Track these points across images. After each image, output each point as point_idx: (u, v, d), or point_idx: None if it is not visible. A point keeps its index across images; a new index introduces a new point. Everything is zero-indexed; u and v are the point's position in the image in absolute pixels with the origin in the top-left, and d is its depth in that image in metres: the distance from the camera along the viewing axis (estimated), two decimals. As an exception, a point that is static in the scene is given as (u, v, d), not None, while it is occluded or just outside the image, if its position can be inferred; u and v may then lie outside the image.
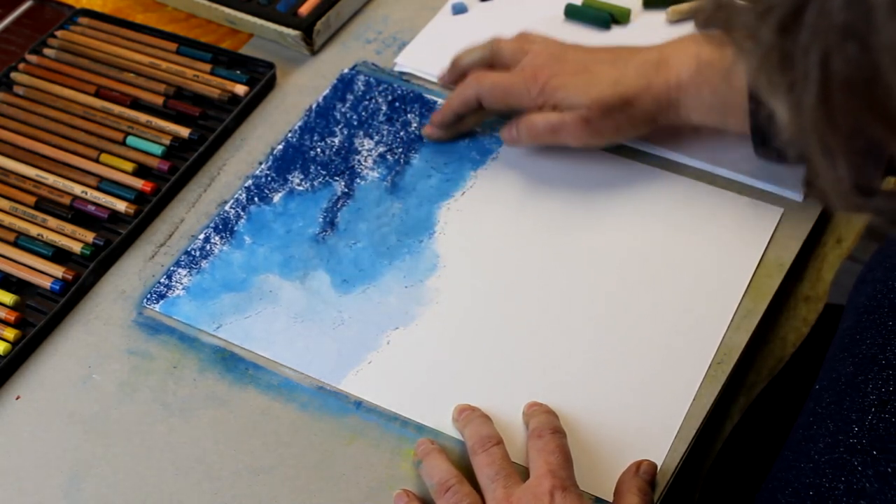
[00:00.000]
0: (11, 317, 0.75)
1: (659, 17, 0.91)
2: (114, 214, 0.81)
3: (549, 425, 0.66)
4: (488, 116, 0.84)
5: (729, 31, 0.40)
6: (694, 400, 0.69)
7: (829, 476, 0.56)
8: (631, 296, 0.75)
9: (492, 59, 0.83)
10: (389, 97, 0.89)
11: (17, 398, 0.73)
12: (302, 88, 0.91)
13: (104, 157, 0.84)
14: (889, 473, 0.53)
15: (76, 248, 0.79)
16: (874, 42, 0.34)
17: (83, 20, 0.95)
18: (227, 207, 0.82)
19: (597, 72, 0.78)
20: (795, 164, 0.77)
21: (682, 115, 0.77)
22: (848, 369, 0.60)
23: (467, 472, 0.66)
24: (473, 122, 0.84)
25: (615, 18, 0.92)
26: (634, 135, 0.80)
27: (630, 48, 0.80)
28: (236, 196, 0.83)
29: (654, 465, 0.66)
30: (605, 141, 0.80)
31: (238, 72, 0.91)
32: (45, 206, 0.82)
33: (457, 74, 0.84)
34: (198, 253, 0.79)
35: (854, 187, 0.39)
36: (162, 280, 0.78)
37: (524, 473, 0.65)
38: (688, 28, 0.89)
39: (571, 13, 0.92)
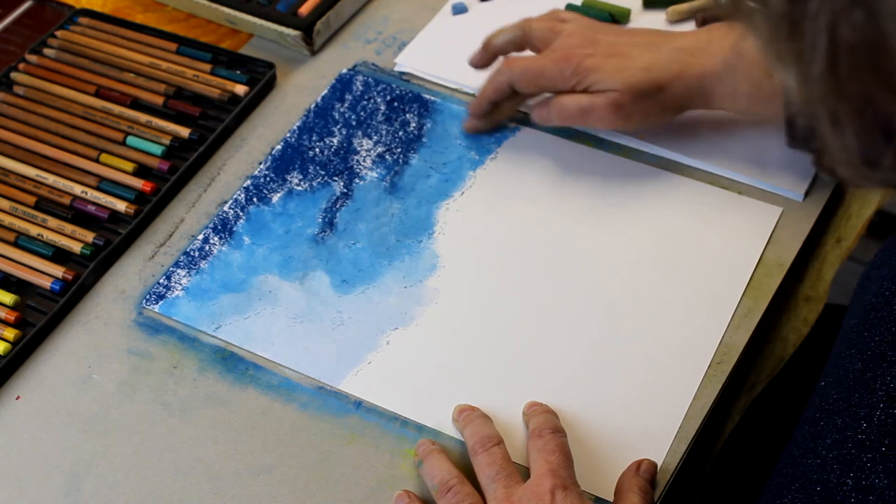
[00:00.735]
0: (11, 317, 0.75)
1: (659, 17, 0.91)
2: (114, 214, 0.81)
3: (549, 425, 0.66)
4: (523, 101, 0.84)
5: (738, 2, 0.40)
6: (694, 400, 0.69)
7: (837, 472, 0.56)
8: (631, 295, 0.75)
9: (523, 40, 0.82)
10: (388, 97, 0.89)
11: (17, 398, 0.73)
12: (302, 88, 0.91)
13: (104, 157, 0.84)
14: None
15: (76, 248, 0.79)
16: (880, 8, 0.35)
17: (83, 20, 0.95)
18: (225, 208, 0.82)
19: (630, 55, 0.77)
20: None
21: (714, 103, 0.77)
22: (856, 366, 0.60)
23: (468, 472, 0.66)
24: (509, 108, 0.84)
25: (615, 18, 0.92)
26: (663, 121, 0.80)
27: (666, 32, 0.80)
28: (235, 196, 0.83)
29: (654, 465, 0.66)
30: (633, 126, 0.79)
31: (238, 72, 0.91)
32: (45, 206, 0.82)
33: (489, 56, 0.84)
34: (197, 253, 0.79)
35: (862, 158, 0.39)
36: (161, 281, 0.78)
37: (525, 473, 0.65)
38: (692, 26, 0.89)
39: (571, 13, 0.92)
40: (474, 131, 0.85)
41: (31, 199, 0.82)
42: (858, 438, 0.56)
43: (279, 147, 0.86)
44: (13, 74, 0.91)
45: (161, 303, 0.77)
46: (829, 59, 0.37)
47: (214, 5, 0.95)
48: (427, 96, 0.89)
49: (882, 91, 0.37)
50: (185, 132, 0.86)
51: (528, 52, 0.83)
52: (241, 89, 0.89)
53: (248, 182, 0.84)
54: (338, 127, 0.87)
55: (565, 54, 0.78)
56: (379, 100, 0.89)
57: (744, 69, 0.75)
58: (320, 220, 0.81)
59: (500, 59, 0.84)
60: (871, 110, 0.38)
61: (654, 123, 0.80)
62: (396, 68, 0.91)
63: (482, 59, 0.85)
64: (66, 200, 0.82)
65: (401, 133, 0.86)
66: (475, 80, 0.88)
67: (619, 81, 0.76)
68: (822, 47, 0.36)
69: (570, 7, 0.92)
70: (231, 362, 0.73)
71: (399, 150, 0.85)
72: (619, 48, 0.78)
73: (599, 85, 0.77)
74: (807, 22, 0.36)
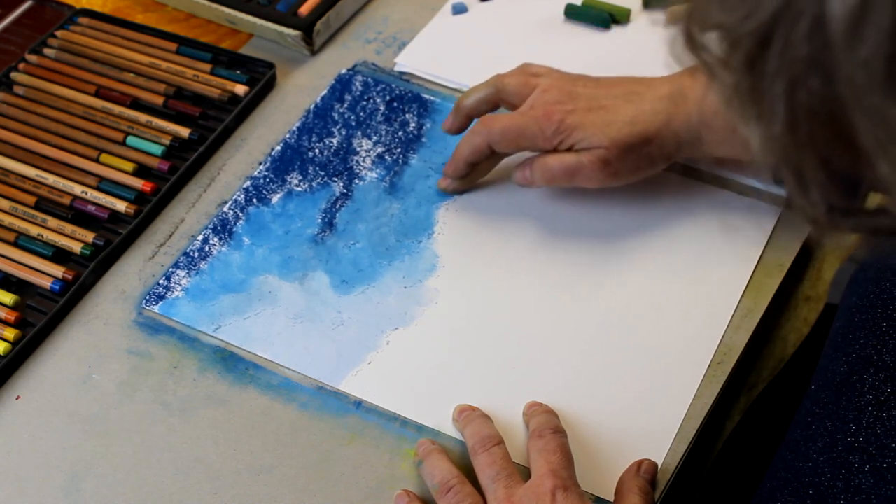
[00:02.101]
0: (11, 317, 0.75)
1: (659, 17, 0.91)
2: (114, 214, 0.81)
3: (549, 425, 0.66)
4: (501, 159, 0.80)
5: (700, 60, 0.40)
6: (694, 400, 0.69)
7: (828, 475, 0.56)
8: (631, 295, 0.75)
9: (496, 97, 0.79)
10: (387, 97, 0.89)
11: (17, 398, 0.73)
12: (302, 88, 0.91)
13: (104, 157, 0.84)
14: (885, 469, 0.54)
15: (76, 248, 0.79)
16: (835, 75, 0.35)
17: (83, 20, 0.95)
18: (225, 208, 0.82)
19: (613, 108, 0.74)
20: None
21: (704, 149, 0.75)
22: (842, 368, 0.60)
23: (468, 472, 0.66)
24: (488, 167, 0.80)
25: (615, 18, 0.92)
26: (652, 172, 0.76)
27: (642, 80, 0.77)
28: (235, 197, 0.83)
29: (654, 465, 0.66)
30: (622, 181, 0.76)
31: (238, 72, 0.91)
32: (45, 206, 0.82)
33: (463, 118, 0.80)
34: (196, 254, 0.79)
35: (828, 210, 0.40)
36: (161, 281, 0.78)
37: (525, 473, 0.65)
38: None
39: (571, 13, 0.92)
40: (450, 192, 0.81)
41: (31, 199, 0.82)
42: (847, 441, 0.56)
43: (279, 148, 0.86)
44: (13, 74, 0.91)
45: (161, 303, 0.77)
46: (789, 122, 0.37)
47: (214, 5, 0.95)
48: (426, 96, 0.89)
49: (843, 153, 0.38)
50: (185, 132, 0.86)
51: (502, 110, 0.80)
52: (241, 89, 0.89)
53: (248, 183, 0.84)
54: (337, 127, 0.87)
55: (545, 111, 0.75)
56: (378, 100, 0.89)
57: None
58: (320, 220, 0.81)
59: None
60: (832, 166, 0.38)
61: (644, 176, 0.76)
62: (396, 68, 0.91)
63: (456, 124, 0.80)
64: (66, 200, 0.82)
65: (400, 133, 0.86)
66: (475, 80, 0.88)
67: (605, 137, 0.73)
68: (781, 110, 0.37)
69: (570, 7, 0.92)
70: (231, 362, 0.73)
71: (399, 150, 0.85)
72: (600, 101, 0.75)
73: (584, 142, 0.74)
74: (765, 85, 0.37)
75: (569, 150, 0.75)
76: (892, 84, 0.34)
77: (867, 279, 0.63)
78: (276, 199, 0.83)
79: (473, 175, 0.80)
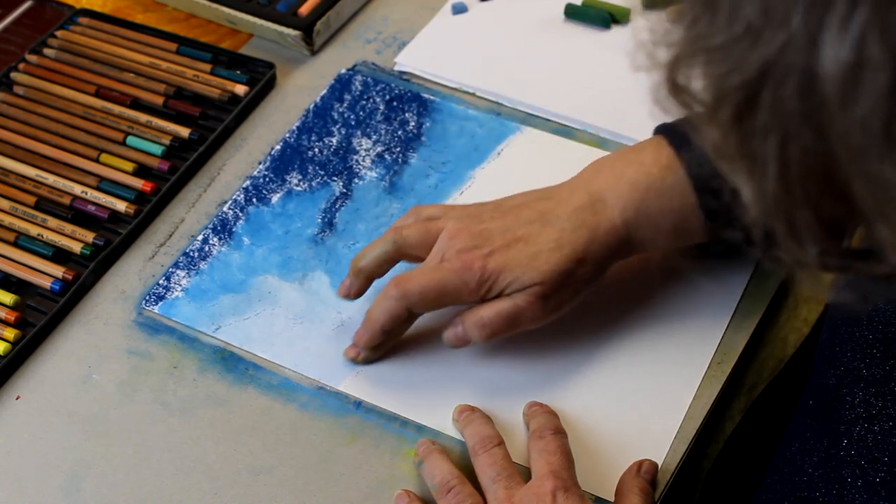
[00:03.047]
0: (11, 317, 0.75)
1: (659, 17, 0.91)
2: (114, 214, 0.81)
3: (550, 426, 0.66)
4: (416, 318, 0.71)
5: (687, 113, 0.39)
6: (694, 400, 0.69)
7: (822, 489, 0.56)
8: (630, 295, 0.75)
9: (396, 253, 0.72)
10: (387, 97, 0.89)
11: (17, 398, 0.73)
12: (302, 88, 0.91)
13: (104, 157, 0.84)
14: (877, 483, 0.54)
15: (76, 248, 0.79)
16: (829, 132, 0.33)
17: (83, 20, 0.95)
18: (225, 208, 0.82)
19: (532, 238, 0.68)
20: (744, 252, 0.73)
21: (635, 249, 0.70)
22: (831, 382, 0.60)
23: (468, 472, 0.66)
24: (403, 330, 0.72)
25: (615, 18, 0.92)
26: (593, 288, 0.70)
27: (551, 195, 0.70)
28: (234, 197, 0.83)
29: (655, 465, 0.66)
30: (566, 309, 0.70)
31: (238, 72, 0.91)
32: (45, 206, 0.82)
33: (362, 281, 0.73)
34: (196, 254, 0.79)
35: (821, 257, 0.38)
36: (161, 281, 0.78)
37: (525, 474, 0.65)
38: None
39: (571, 13, 0.92)
40: (359, 362, 0.72)
41: (31, 199, 0.82)
42: (840, 456, 0.56)
43: (278, 147, 0.86)
44: (13, 74, 0.91)
45: (161, 304, 0.77)
46: (781, 178, 0.36)
47: (214, 5, 0.95)
48: (426, 96, 0.89)
49: (837, 206, 0.36)
50: (185, 132, 0.86)
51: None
52: (241, 89, 0.89)
53: (248, 182, 0.84)
54: (337, 127, 0.87)
55: (462, 262, 0.67)
56: (378, 99, 0.89)
57: (655, 205, 0.68)
58: (320, 220, 0.81)
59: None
60: (826, 216, 0.37)
61: (585, 296, 0.70)
62: (396, 68, 0.91)
63: (355, 287, 0.73)
64: (66, 200, 0.82)
65: (400, 133, 0.86)
66: (475, 80, 0.88)
67: (536, 272, 0.67)
68: (773, 167, 0.35)
69: (570, 7, 0.92)
70: (231, 362, 0.73)
71: (398, 149, 0.85)
72: (515, 233, 0.68)
73: (515, 284, 0.67)
74: (755, 141, 0.35)
75: (498, 296, 0.68)
76: (891, 146, 0.32)
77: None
78: (275, 198, 0.83)
79: (388, 341, 0.72)
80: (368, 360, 0.72)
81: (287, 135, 0.87)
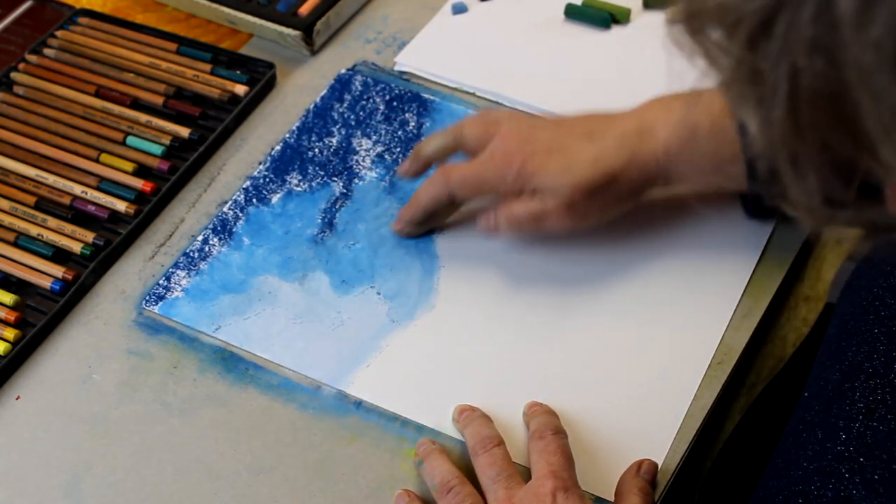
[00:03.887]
0: (11, 317, 0.75)
1: (659, 17, 0.91)
2: (114, 214, 0.81)
3: (550, 426, 0.66)
4: (461, 206, 0.78)
5: (699, 42, 0.39)
6: (694, 400, 0.69)
7: (818, 483, 0.56)
8: (630, 295, 0.75)
9: (455, 145, 0.77)
10: (387, 97, 0.89)
11: (18, 398, 0.73)
12: (302, 88, 0.91)
13: (104, 157, 0.84)
14: (876, 480, 0.54)
15: (76, 248, 0.79)
16: (841, 58, 0.34)
17: (83, 20, 0.95)
18: (225, 209, 0.82)
19: (574, 150, 0.72)
20: (778, 219, 0.74)
21: (672, 181, 0.73)
22: (835, 376, 0.60)
23: (468, 472, 0.66)
24: (447, 214, 0.78)
25: (615, 18, 0.92)
26: (621, 211, 0.74)
27: (604, 116, 0.74)
28: (234, 197, 0.83)
29: (654, 465, 0.66)
30: (591, 223, 0.74)
31: (238, 72, 0.91)
32: (45, 206, 0.82)
33: (421, 164, 0.78)
34: (196, 254, 0.79)
35: (824, 200, 0.39)
36: (161, 282, 0.78)
37: (525, 474, 0.65)
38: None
39: (571, 13, 0.92)
40: (403, 236, 0.79)
41: (31, 199, 0.82)
42: (838, 450, 0.56)
43: (278, 148, 0.86)
44: (13, 74, 0.91)
45: (160, 304, 0.77)
46: (790, 105, 0.36)
47: (214, 5, 0.95)
48: (426, 96, 0.89)
49: (844, 138, 0.37)
50: (185, 132, 0.86)
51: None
52: (241, 89, 0.89)
53: (248, 183, 0.84)
54: (337, 127, 0.87)
55: (505, 158, 0.72)
56: (378, 99, 0.89)
57: (700, 144, 0.70)
58: (320, 220, 0.81)
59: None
60: (831, 153, 0.38)
61: (615, 215, 0.74)
62: (396, 68, 0.91)
63: (413, 169, 0.79)
64: (66, 200, 0.82)
65: (400, 133, 0.86)
66: (475, 80, 0.88)
67: (568, 180, 0.71)
68: (783, 93, 0.36)
69: (570, 7, 0.92)
70: (231, 362, 0.73)
71: (398, 149, 0.85)
72: (560, 143, 0.72)
73: (547, 185, 0.71)
74: (767, 67, 0.36)
75: (532, 195, 0.72)
76: None
77: (861, 286, 0.63)
78: (275, 199, 0.83)
79: (431, 221, 0.78)
80: (411, 235, 0.79)
81: (287, 135, 0.87)
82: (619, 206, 0.74)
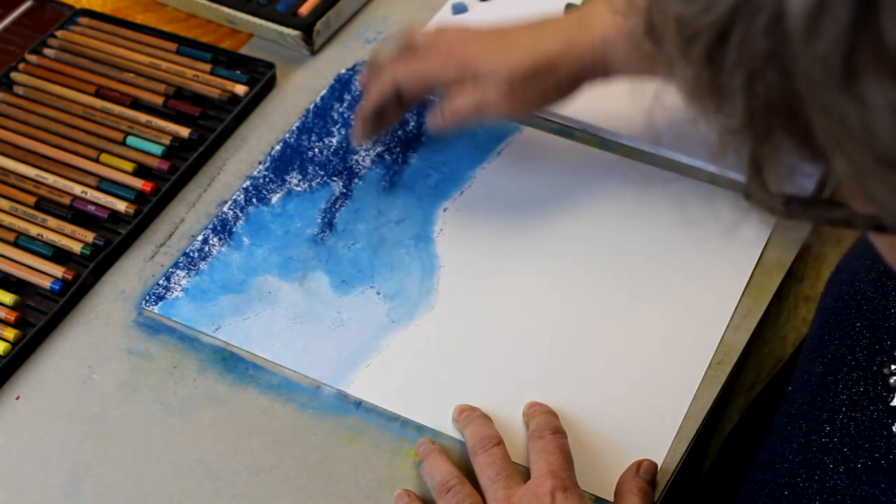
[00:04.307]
0: (11, 317, 0.75)
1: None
2: (114, 214, 0.81)
3: (549, 426, 0.66)
4: (409, 108, 0.82)
5: (659, 52, 0.40)
6: (693, 400, 0.69)
7: (804, 475, 0.56)
8: (630, 295, 0.75)
9: (406, 49, 0.79)
10: (389, 97, 0.89)
11: (17, 398, 0.73)
12: (302, 88, 0.91)
13: (104, 157, 0.84)
14: (859, 469, 0.54)
15: (76, 248, 0.79)
16: (793, 70, 0.35)
17: (83, 20, 0.95)
18: (225, 209, 0.82)
19: (513, 37, 0.74)
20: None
21: (611, 71, 0.74)
22: (818, 370, 0.60)
23: (468, 471, 0.66)
24: (395, 116, 0.81)
25: (615, 18, 0.92)
26: (561, 100, 0.76)
27: (549, 16, 0.76)
28: (234, 197, 0.83)
29: (654, 465, 0.66)
30: (531, 109, 0.78)
31: (238, 72, 0.91)
32: (45, 206, 0.82)
33: (377, 72, 0.80)
34: (196, 254, 0.79)
35: (786, 201, 0.40)
36: (160, 282, 0.78)
37: (525, 474, 0.66)
38: None
39: (571, 13, 0.92)
40: (361, 140, 0.83)
41: (31, 199, 0.82)
42: (822, 442, 0.56)
43: (278, 148, 0.86)
44: (13, 74, 0.91)
45: (160, 304, 0.77)
46: (747, 115, 0.37)
47: (214, 5, 0.95)
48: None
49: (800, 146, 0.38)
50: (185, 132, 0.86)
51: None
52: (241, 89, 0.89)
53: (248, 183, 0.84)
54: (337, 127, 0.87)
55: (448, 48, 0.76)
56: (379, 100, 0.89)
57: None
58: (319, 220, 0.81)
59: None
60: (788, 157, 0.38)
61: (554, 103, 0.76)
62: (396, 68, 0.91)
63: (370, 77, 0.80)
64: (66, 200, 0.82)
65: (400, 132, 0.86)
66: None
67: (506, 66, 0.73)
68: (740, 104, 0.37)
69: (570, 7, 0.92)
70: (231, 362, 0.73)
71: (398, 149, 0.85)
72: (502, 34, 0.75)
73: (485, 69, 0.74)
74: (724, 78, 0.37)
75: (474, 84, 0.74)
76: (849, 80, 0.34)
77: (842, 280, 0.63)
78: (275, 199, 0.83)
79: (381, 123, 0.80)
80: (367, 140, 0.82)
81: (287, 135, 0.87)
82: (559, 95, 0.75)
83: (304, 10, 0.94)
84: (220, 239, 0.80)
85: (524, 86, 0.73)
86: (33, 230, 0.80)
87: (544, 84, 0.74)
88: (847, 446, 0.55)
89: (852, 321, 0.59)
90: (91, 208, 0.81)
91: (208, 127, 0.87)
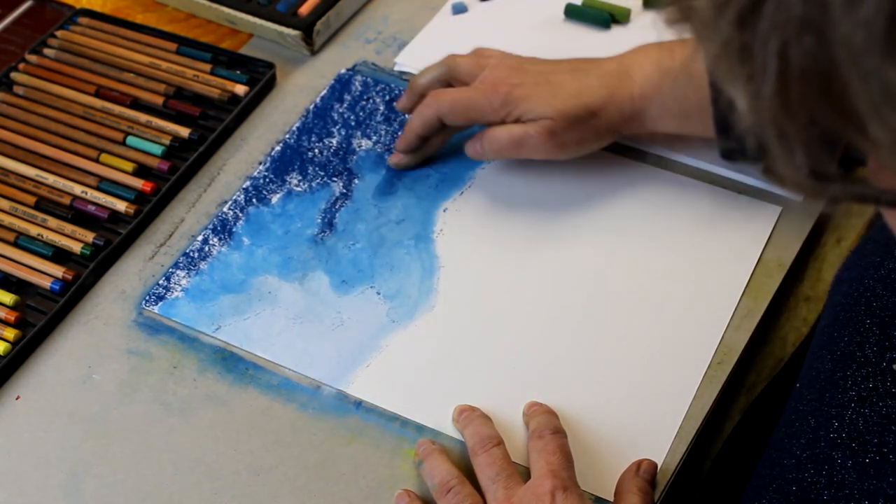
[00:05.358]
0: (11, 317, 0.75)
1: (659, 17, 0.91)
2: (114, 214, 0.81)
3: (549, 425, 0.66)
4: (452, 134, 0.83)
5: (689, 21, 0.39)
6: (694, 400, 0.69)
7: (812, 470, 0.56)
8: (630, 295, 0.75)
9: (448, 76, 0.81)
10: (387, 97, 0.89)
11: (17, 398, 0.73)
12: (302, 88, 0.91)
13: (104, 157, 0.84)
14: (867, 464, 0.54)
15: (76, 248, 0.79)
16: (831, 36, 0.34)
17: (83, 20, 0.95)
18: (225, 209, 0.82)
19: (559, 83, 0.77)
20: (757, 161, 0.77)
21: (646, 124, 0.78)
22: (827, 366, 0.60)
23: (468, 472, 0.66)
24: (439, 142, 0.83)
25: (615, 18, 0.92)
26: (597, 147, 0.79)
27: (589, 59, 0.79)
28: (234, 197, 0.83)
29: (654, 465, 0.66)
30: (568, 154, 0.78)
31: (238, 72, 0.91)
32: (45, 206, 0.82)
33: (415, 96, 0.82)
34: (196, 254, 0.79)
35: (810, 174, 0.39)
36: (160, 282, 0.78)
37: (525, 474, 0.66)
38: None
39: (571, 13, 0.92)
40: (402, 168, 0.83)
41: (31, 199, 0.82)
42: (830, 437, 0.56)
43: (278, 148, 0.86)
44: (13, 74, 0.91)
45: (160, 304, 0.77)
46: (780, 82, 0.36)
47: (214, 5, 0.95)
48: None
49: (832, 114, 0.37)
50: (185, 132, 0.86)
51: None
52: (241, 89, 0.89)
53: (248, 183, 0.84)
54: (337, 127, 0.87)
55: (493, 85, 0.77)
56: (378, 100, 0.89)
57: (670, 87, 0.75)
58: (319, 220, 0.81)
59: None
60: (818, 128, 0.38)
61: (590, 150, 0.79)
62: (396, 68, 0.91)
63: (409, 102, 0.83)
64: (66, 200, 0.82)
65: (400, 133, 0.86)
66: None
67: (551, 109, 0.76)
68: (773, 71, 0.36)
69: (570, 7, 0.92)
70: (231, 362, 0.73)
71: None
72: (547, 76, 0.77)
73: (531, 114, 0.76)
74: (757, 45, 0.36)
75: (516, 121, 0.77)
76: (893, 45, 0.33)
77: (851, 277, 0.63)
78: (275, 199, 0.83)
79: (425, 149, 0.83)
80: (408, 166, 0.83)
81: (287, 135, 0.87)
82: (595, 142, 0.78)
83: (304, 10, 0.94)
84: (220, 239, 0.80)
85: (565, 130, 0.76)
86: (33, 230, 0.80)
87: (584, 130, 0.77)
88: (855, 441, 0.55)
89: (862, 318, 0.59)
90: (91, 208, 0.81)
91: (208, 127, 0.87)
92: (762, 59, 0.36)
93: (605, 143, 0.79)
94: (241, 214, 0.82)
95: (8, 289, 0.77)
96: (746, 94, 0.38)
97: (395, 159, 0.83)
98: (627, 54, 0.78)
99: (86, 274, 0.77)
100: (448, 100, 0.79)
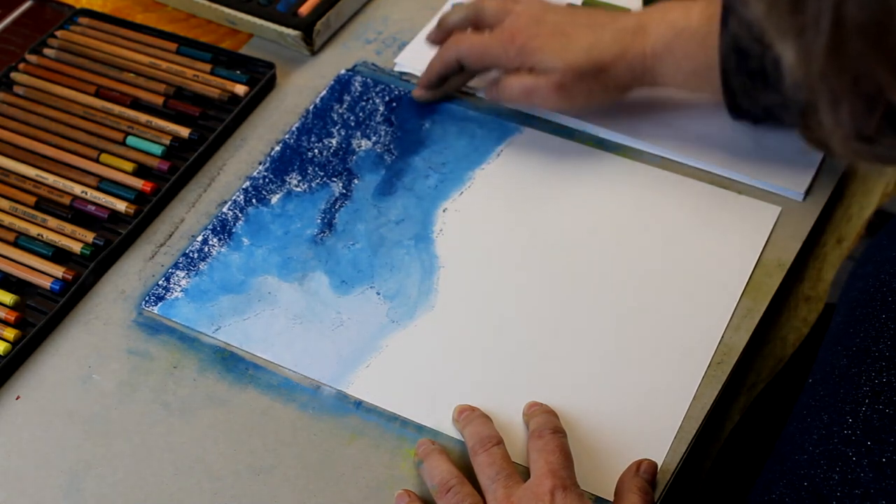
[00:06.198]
0: (11, 317, 0.75)
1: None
2: (114, 214, 0.81)
3: (549, 425, 0.66)
4: (471, 77, 0.86)
5: None
6: (694, 400, 0.69)
7: (824, 467, 0.56)
8: (630, 295, 0.75)
9: (476, 18, 0.84)
10: (387, 98, 0.89)
11: (17, 398, 0.73)
12: (302, 89, 0.91)
13: (104, 157, 0.84)
14: (883, 463, 0.54)
15: (76, 248, 0.79)
16: None
17: (83, 20, 0.95)
18: (224, 209, 0.82)
19: (573, 36, 0.79)
20: (766, 124, 0.79)
21: (657, 81, 0.79)
22: (842, 362, 0.60)
23: (468, 472, 0.66)
24: (457, 83, 0.87)
25: (615, 18, 0.92)
26: (607, 101, 0.82)
27: (611, 13, 0.81)
28: (234, 198, 0.83)
29: (654, 465, 0.66)
30: (577, 105, 0.81)
31: (238, 72, 0.91)
32: (45, 206, 0.82)
33: (443, 33, 0.86)
34: (196, 255, 0.79)
35: (856, 133, 0.38)
36: (160, 282, 0.78)
37: (525, 473, 0.66)
38: None
39: (571, 13, 0.92)
40: (423, 100, 0.87)
41: (31, 199, 0.82)
42: (844, 434, 0.56)
43: (278, 148, 0.86)
44: (13, 74, 0.91)
45: (160, 304, 0.77)
46: (833, 36, 0.35)
47: (214, 5, 0.95)
48: (427, 96, 0.89)
49: (883, 69, 0.36)
50: (185, 132, 0.86)
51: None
52: (241, 89, 0.89)
53: (248, 183, 0.84)
54: (336, 128, 0.87)
55: (511, 34, 0.80)
56: (377, 100, 0.89)
57: (682, 46, 0.76)
58: (319, 220, 0.81)
59: None
60: (868, 86, 0.37)
61: (599, 104, 0.82)
62: (396, 68, 0.91)
63: (437, 37, 0.86)
64: (66, 200, 0.82)
65: (400, 133, 0.86)
66: (476, 80, 0.88)
67: (562, 62, 0.78)
68: (827, 23, 0.35)
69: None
70: (231, 362, 0.73)
71: (398, 150, 0.85)
72: (564, 28, 0.79)
73: (542, 65, 0.79)
74: None
75: (530, 71, 0.80)
76: None
77: (867, 273, 0.63)
78: (275, 199, 0.83)
79: (445, 87, 0.87)
80: (429, 100, 0.87)
81: (287, 136, 0.87)
82: (605, 96, 0.81)
83: (304, 10, 0.94)
84: (219, 239, 0.80)
85: (574, 83, 0.78)
86: (33, 230, 0.80)
87: (592, 85, 0.79)
88: (871, 439, 0.55)
89: (877, 313, 0.59)
90: (91, 208, 0.81)
91: (208, 127, 0.87)
92: (815, 11, 0.35)
93: (615, 97, 0.81)
94: (240, 215, 0.82)
95: (8, 289, 0.77)
96: (796, 48, 0.37)
97: (417, 92, 0.87)
98: (647, 10, 0.79)
99: (86, 274, 0.77)
100: (467, 45, 0.82)
